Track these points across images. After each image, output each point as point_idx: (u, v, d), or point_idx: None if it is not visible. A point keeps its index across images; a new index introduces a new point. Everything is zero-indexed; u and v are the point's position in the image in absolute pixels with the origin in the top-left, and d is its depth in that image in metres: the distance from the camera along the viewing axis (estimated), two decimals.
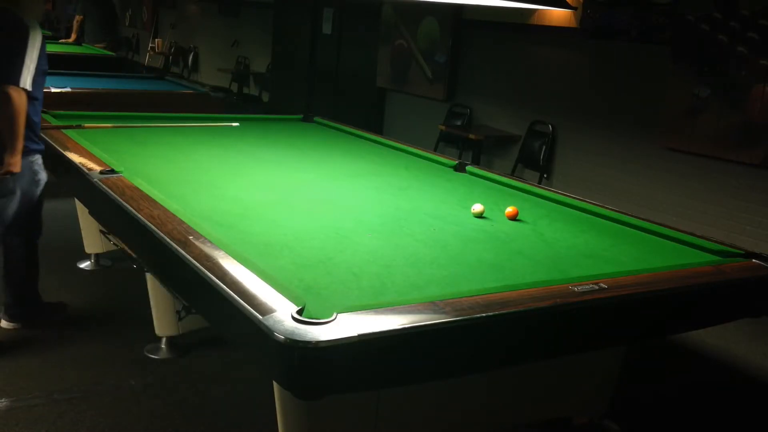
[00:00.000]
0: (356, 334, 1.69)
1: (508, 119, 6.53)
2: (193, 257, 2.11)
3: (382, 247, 2.48)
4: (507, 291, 2.05)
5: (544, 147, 6.09)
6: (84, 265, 4.30)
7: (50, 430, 2.71)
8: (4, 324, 3.44)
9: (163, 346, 3.33)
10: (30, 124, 3.20)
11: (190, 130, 4.31)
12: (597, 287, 2.12)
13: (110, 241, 3.57)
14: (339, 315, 1.77)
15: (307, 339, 1.65)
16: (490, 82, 6.72)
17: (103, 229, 3.53)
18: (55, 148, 3.42)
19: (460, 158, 4.71)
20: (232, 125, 2.91)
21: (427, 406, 2.38)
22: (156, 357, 3.30)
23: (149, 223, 2.40)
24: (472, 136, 6.31)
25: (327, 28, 8.46)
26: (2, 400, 2.86)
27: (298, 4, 8.86)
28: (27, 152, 3.22)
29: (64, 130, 3.67)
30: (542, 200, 3.33)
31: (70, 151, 3.31)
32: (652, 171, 5.38)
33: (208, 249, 2.17)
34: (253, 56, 10.40)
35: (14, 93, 3.03)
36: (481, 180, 3.64)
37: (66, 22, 12.60)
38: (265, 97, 9.78)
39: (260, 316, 1.75)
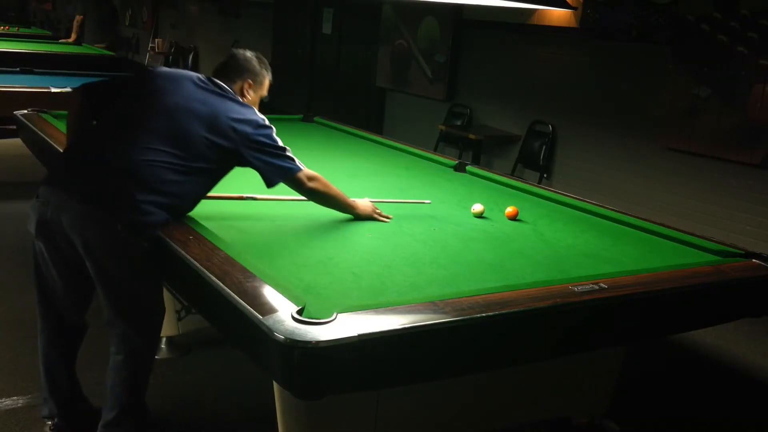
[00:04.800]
0: (356, 334, 1.69)
1: (508, 119, 6.53)
2: (193, 257, 2.11)
3: (382, 247, 2.48)
4: (507, 291, 2.04)
5: (544, 147, 6.09)
6: None
7: None
8: None
9: (163, 346, 3.33)
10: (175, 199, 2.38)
11: None
12: (597, 287, 2.12)
13: None
14: (339, 315, 1.76)
15: (307, 339, 1.65)
16: (490, 82, 6.72)
17: None
18: (53, 147, 3.42)
19: (460, 158, 4.71)
20: (424, 203, 2.98)
21: (427, 406, 2.37)
22: (156, 357, 3.29)
23: None
24: (472, 136, 6.31)
25: (327, 28, 8.47)
26: (2, 400, 2.86)
27: (298, 4, 8.86)
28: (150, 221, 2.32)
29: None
30: (542, 200, 3.33)
31: None
32: (652, 171, 5.38)
33: (208, 249, 2.17)
34: None
35: (301, 177, 2.53)
36: (481, 180, 3.64)
37: (66, 22, 12.61)
38: (265, 97, 9.78)
39: (260, 316, 1.75)
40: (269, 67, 2.77)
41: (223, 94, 2.50)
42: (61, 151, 3.16)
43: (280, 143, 2.51)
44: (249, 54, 2.71)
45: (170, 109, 2.41)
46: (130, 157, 2.31)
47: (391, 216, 2.80)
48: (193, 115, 2.40)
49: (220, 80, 2.58)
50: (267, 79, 2.74)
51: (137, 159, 2.30)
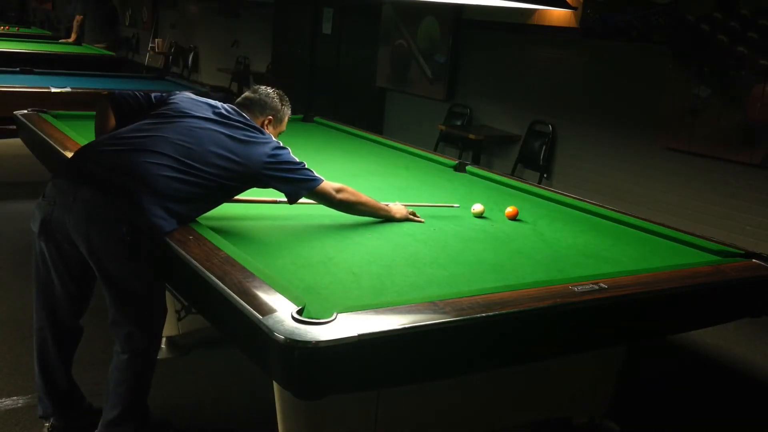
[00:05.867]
0: (356, 334, 1.69)
1: (508, 119, 6.53)
2: (193, 257, 2.11)
3: (382, 247, 2.48)
4: (507, 291, 2.04)
5: (544, 147, 6.09)
6: None
7: None
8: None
9: (163, 346, 3.32)
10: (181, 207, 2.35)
11: None
12: (597, 287, 2.12)
13: None
14: (339, 315, 1.77)
15: (307, 339, 1.65)
16: (490, 82, 6.72)
17: None
18: (53, 147, 3.42)
19: (460, 158, 4.71)
20: (453, 206, 3.01)
21: (427, 406, 2.37)
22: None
23: None
24: (472, 136, 6.31)
25: (327, 28, 8.46)
26: (2, 400, 2.86)
27: (298, 4, 8.85)
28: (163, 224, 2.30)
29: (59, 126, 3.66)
30: (542, 200, 3.33)
31: (69, 150, 3.31)
32: (652, 171, 5.38)
33: (208, 249, 2.17)
34: (253, 56, 10.40)
35: (325, 188, 2.57)
36: (481, 180, 3.65)
37: (66, 22, 12.60)
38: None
39: (260, 316, 1.75)
40: (290, 105, 2.89)
41: (244, 122, 2.57)
42: (69, 153, 3.16)
43: (297, 160, 2.55)
44: (271, 91, 2.82)
45: (189, 125, 2.47)
46: (139, 161, 2.33)
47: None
48: (212, 132, 2.46)
49: (243, 111, 2.66)
50: (287, 117, 2.87)
51: (146, 163, 2.32)
